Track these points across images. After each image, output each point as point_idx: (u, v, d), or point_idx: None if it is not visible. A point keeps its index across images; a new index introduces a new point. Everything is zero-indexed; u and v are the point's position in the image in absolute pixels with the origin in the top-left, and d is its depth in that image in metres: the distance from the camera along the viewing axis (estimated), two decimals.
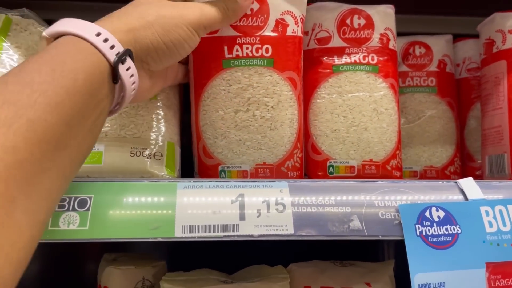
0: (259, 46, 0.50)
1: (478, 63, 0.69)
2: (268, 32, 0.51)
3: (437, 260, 0.39)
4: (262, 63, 0.50)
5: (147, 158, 0.50)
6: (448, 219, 0.40)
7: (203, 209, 0.39)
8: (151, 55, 0.41)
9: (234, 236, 0.39)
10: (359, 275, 0.56)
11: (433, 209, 0.41)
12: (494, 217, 0.41)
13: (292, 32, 0.52)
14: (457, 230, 0.40)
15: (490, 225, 0.41)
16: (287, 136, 0.52)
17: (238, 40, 0.50)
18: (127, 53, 0.37)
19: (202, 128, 0.52)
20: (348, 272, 0.57)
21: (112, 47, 0.36)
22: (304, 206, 0.40)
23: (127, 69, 0.37)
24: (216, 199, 0.40)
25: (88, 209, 0.38)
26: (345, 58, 0.57)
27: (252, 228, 0.39)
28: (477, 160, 0.70)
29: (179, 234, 0.38)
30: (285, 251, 0.68)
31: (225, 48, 0.50)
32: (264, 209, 0.40)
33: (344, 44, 0.57)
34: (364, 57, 0.57)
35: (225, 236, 0.38)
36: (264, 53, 0.50)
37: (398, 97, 0.59)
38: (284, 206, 0.40)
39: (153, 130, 0.51)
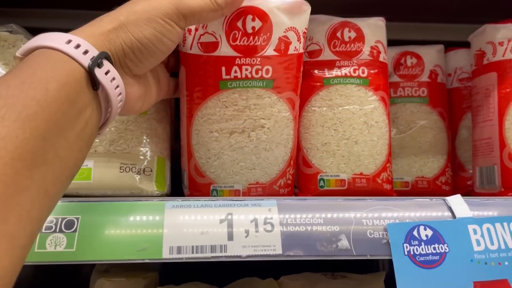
0: (259, 67, 0.48)
1: (470, 73, 0.69)
2: (269, 52, 0.48)
3: (425, 280, 0.39)
4: (261, 84, 0.48)
5: (137, 174, 0.50)
6: (436, 238, 0.40)
7: (191, 229, 0.39)
8: (128, 56, 0.38)
9: (222, 257, 0.38)
10: (350, 287, 0.57)
11: (421, 227, 0.41)
12: (482, 236, 0.41)
13: (294, 50, 0.50)
14: (445, 249, 0.40)
15: (478, 243, 0.41)
16: (282, 156, 0.51)
17: (237, 61, 0.48)
18: (103, 55, 0.35)
19: (194, 147, 0.50)
20: (339, 284, 0.57)
21: (86, 52, 0.34)
22: (293, 225, 0.41)
23: (106, 73, 0.35)
24: (205, 219, 0.40)
25: (75, 231, 0.38)
26: (336, 71, 0.57)
27: (240, 249, 0.39)
28: (469, 170, 0.70)
29: (166, 255, 0.38)
30: (278, 262, 0.68)
31: (223, 68, 0.48)
32: (252, 228, 0.40)
33: (335, 57, 0.57)
34: (354, 70, 0.57)
35: (212, 257, 0.38)
36: (264, 75, 0.48)
37: (389, 110, 0.59)
38: (272, 225, 0.40)
39: (143, 145, 0.51)
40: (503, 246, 0.41)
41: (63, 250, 0.37)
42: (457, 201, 0.43)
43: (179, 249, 0.38)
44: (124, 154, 0.50)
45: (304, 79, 0.57)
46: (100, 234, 0.38)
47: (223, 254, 0.39)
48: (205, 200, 0.42)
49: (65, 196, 0.40)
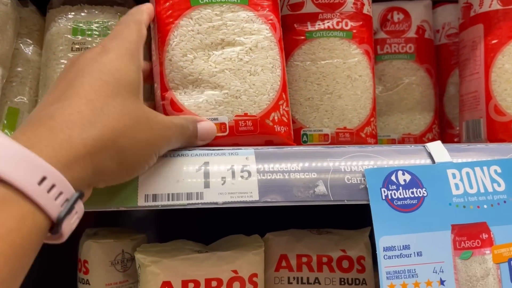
0: None
1: (457, 28, 0.68)
2: None
3: (402, 223, 0.39)
4: (235, 0, 0.46)
5: None
6: (414, 183, 0.40)
7: (167, 178, 0.39)
8: (104, 179, 0.33)
9: (198, 204, 0.38)
10: (335, 242, 0.57)
11: (399, 172, 0.40)
12: (461, 180, 0.41)
13: None
14: (423, 193, 0.40)
15: (457, 187, 0.40)
16: (270, 83, 0.46)
17: None
18: (77, 198, 0.29)
19: (168, 77, 0.45)
20: (324, 240, 0.57)
21: (60, 194, 0.27)
22: (270, 173, 0.40)
23: (73, 217, 0.29)
24: (180, 168, 0.40)
25: None
26: (318, 24, 0.56)
27: (217, 196, 0.39)
28: (456, 127, 0.70)
29: (142, 203, 0.38)
30: (265, 221, 0.68)
31: None
32: (229, 176, 0.40)
33: (317, 10, 0.56)
34: (337, 23, 0.56)
35: (189, 204, 0.38)
36: None
37: (373, 64, 0.59)
38: (249, 173, 0.40)
39: None
40: (482, 190, 0.41)
41: None
42: (437, 147, 0.43)
43: (154, 197, 0.38)
44: None
45: (286, 33, 0.56)
46: None
47: (199, 201, 0.38)
48: (180, 150, 0.42)
49: None
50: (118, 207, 0.37)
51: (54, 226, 0.27)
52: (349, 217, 0.78)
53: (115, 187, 0.38)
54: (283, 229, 0.60)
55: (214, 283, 0.49)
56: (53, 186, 0.26)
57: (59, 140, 0.28)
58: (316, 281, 0.55)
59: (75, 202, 0.28)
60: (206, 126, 0.43)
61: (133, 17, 0.41)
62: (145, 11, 0.43)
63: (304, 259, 0.55)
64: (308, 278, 0.55)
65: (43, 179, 0.26)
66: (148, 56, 0.50)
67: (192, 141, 0.42)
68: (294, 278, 0.55)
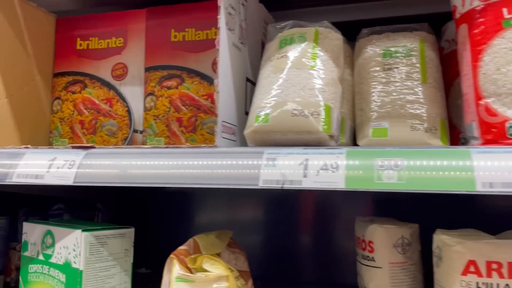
0: None
1: None
2: None
3: None
4: None
5: (425, 132, 0.60)
6: None
7: (498, 170, 0.47)
8: None
9: None
10: None
11: None
12: None
13: None
14: None
15: None
16: None
17: None
18: None
19: (482, 88, 0.54)
20: None
21: None
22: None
23: None
24: (505, 164, 0.47)
25: (402, 169, 0.50)
26: None
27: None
28: None
29: (479, 189, 0.46)
30: None
31: (504, 10, 0.53)
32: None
33: None
34: None
35: None
36: None
37: None
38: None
39: (429, 108, 0.61)
40: None
41: (396, 182, 0.49)
42: None
43: (491, 185, 0.46)
44: (413, 116, 0.61)
45: None
46: (421, 172, 0.49)
47: None
48: (505, 148, 0.49)
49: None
50: (460, 191, 0.47)
51: None
52: None
53: (452, 175, 0.48)
54: None
55: None
56: None
57: None
58: None
59: None
60: None
61: None
62: None
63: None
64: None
65: None
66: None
67: None
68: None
